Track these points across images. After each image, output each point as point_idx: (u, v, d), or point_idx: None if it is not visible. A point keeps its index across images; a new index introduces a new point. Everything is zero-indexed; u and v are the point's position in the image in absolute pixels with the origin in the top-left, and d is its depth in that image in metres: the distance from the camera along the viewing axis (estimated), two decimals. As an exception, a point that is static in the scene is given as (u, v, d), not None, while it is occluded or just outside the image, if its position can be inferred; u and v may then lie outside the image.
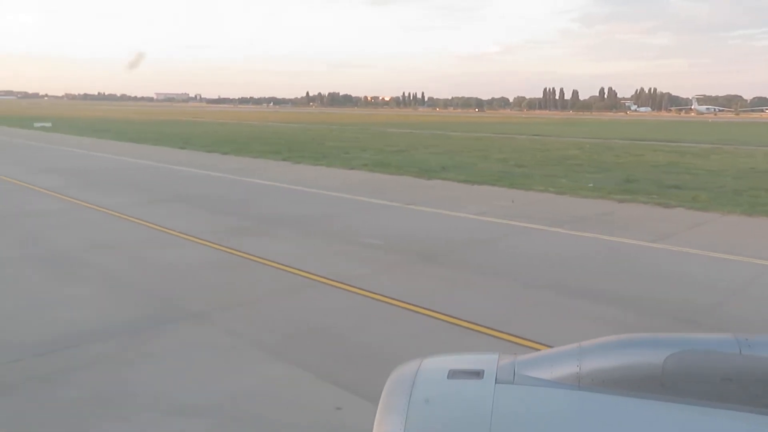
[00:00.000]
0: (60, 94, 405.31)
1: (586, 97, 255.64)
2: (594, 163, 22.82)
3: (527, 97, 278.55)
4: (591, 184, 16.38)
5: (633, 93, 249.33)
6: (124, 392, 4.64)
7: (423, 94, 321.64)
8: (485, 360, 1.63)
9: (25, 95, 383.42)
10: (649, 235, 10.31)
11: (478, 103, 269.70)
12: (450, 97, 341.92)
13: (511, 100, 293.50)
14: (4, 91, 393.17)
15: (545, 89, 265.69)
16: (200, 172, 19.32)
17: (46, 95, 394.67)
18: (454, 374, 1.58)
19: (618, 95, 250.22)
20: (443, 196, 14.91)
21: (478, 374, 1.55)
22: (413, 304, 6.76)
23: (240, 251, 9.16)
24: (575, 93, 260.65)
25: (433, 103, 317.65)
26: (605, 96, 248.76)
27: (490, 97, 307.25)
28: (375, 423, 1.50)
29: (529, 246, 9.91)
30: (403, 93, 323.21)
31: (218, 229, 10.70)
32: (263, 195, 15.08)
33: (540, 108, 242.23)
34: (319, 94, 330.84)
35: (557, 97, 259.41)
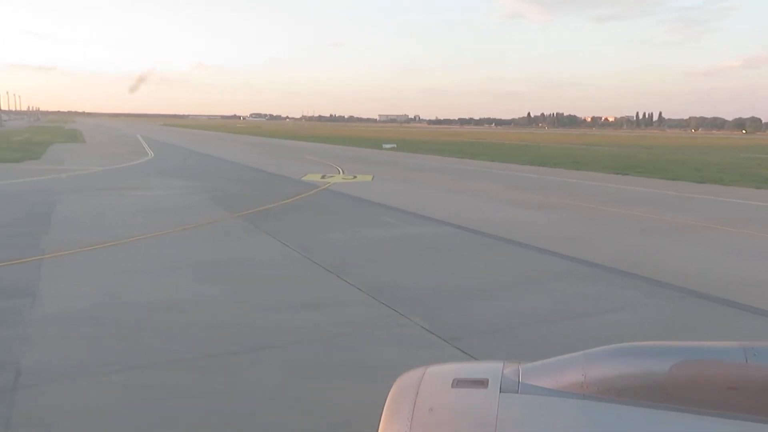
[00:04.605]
0: (298, 115, 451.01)
1: None
2: None
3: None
4: None
5: None
6: None
7: (660, 113, 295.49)
8: (490, 368, 1.59)
9: (271, 117, 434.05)
10: None
11: (738, 124, 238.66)
12: (687, 117, 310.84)
13: (765, 120, 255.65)
14: (255, 114, 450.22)
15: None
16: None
17: (287, 117, 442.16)
18: (458, 383, 1.55)
19: None
20: None
21: (482, 383, 1.52)
22: None
23: None
24: None
25: (667, 123, 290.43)
26: None
27: (735, 117, 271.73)
28: (379, 431, 1.45)
29: None
30: (637, 113, 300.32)
31: None
32: None
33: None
34: (542, 114, 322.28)
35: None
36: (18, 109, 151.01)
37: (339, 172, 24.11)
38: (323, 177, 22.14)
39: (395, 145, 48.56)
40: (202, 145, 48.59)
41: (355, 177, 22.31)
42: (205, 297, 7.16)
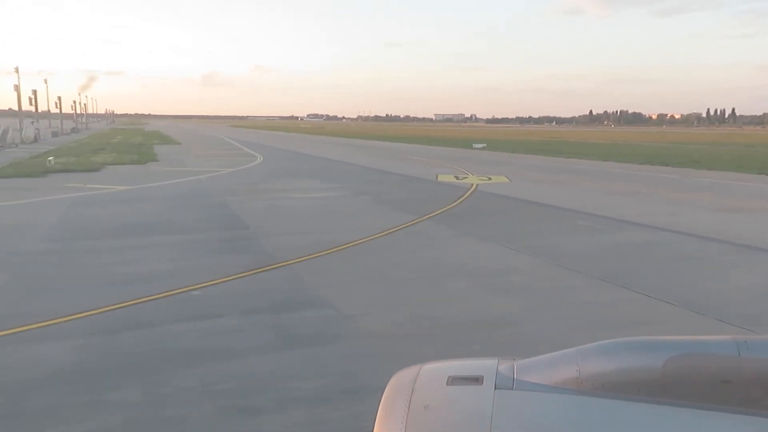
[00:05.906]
0: (354, 115, 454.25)
1: None
2: None
3: None
4: None
5: None
6: None
7: (734, 109, 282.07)
8: (484, 365, 1.59)
9: (328, 117, 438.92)
10: None
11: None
12: (761, 113, 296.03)
13: None
14: (312, 114, 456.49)
15: None
16: None
17: (344, 117, 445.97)
18: (453, 380, 1.55)
19: None
20: None
21: (477, 380, 1.52)
22: None
23: None
24: None
25: (741, 120, 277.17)
26: None
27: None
28: (374, 430, 1.44)
29: None
30: (708, 109, 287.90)
31: None
32: None
33: None
34: (605, 112, 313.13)
35: None
36: (95, 112, 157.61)
37: (467, 173, 23.44)
38: (458, 178, 21.53)
39: (485, 145, 47.60)
40: (292, 145, 48.89)
41: (489, 178, 21.57)
42: (517, 312, 6.58)
